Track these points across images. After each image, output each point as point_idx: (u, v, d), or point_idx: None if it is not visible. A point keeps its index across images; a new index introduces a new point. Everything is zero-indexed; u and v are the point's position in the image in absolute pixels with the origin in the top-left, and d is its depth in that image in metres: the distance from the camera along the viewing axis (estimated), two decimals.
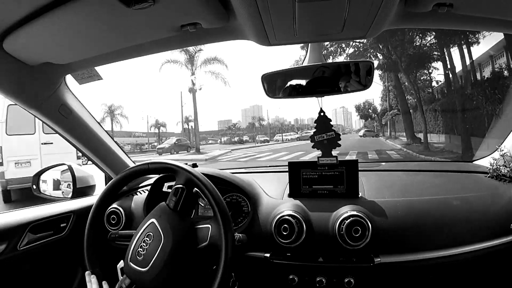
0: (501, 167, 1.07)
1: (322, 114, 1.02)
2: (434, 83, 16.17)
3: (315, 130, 1.04)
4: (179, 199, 0.81)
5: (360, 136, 31.22)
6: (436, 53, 12.82)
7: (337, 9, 0.64)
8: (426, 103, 15.28)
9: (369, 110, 33.35)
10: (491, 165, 1.10)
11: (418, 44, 12.95)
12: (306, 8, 0.63)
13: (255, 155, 17.00)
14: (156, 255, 0.74)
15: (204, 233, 0.80)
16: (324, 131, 1.03)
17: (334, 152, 1.04)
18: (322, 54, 0.95)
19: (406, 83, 15.38)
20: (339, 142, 1.03)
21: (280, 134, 40.50)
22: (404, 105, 16.06)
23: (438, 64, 13.41)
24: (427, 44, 12.88)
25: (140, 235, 0.79)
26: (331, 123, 1.03)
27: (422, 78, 16.04)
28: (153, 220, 0.80)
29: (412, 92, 15.09)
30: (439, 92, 15.67)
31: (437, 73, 14.66)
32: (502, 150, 1.11)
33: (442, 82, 15.17)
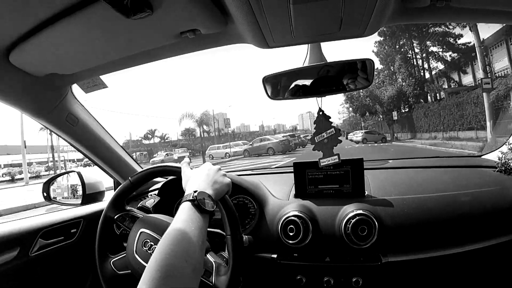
0: (509, 161, 1.05)
1: (320, 113, 1.01)
2: None
3: (314, 131, 1.03)
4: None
5: (358, 143, 20.60)
6: None
7: (333, 9, 0.64)
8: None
9: (367, 99, 24.02)
10: (499, 159, 1.08)
11: None
12: (301, 9, 0.63)
13: None
14: None
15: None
16: (324, 130, 1.02)
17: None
18: (322, 53, 0.95)
19: None
20: (339, 138, 1.02)
21: (219, 146, 26.38)
22: None
23: None
24: None
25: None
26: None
27: None
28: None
29: None
30: None
31: None
32: (511, 144, 1.09)
33: None
